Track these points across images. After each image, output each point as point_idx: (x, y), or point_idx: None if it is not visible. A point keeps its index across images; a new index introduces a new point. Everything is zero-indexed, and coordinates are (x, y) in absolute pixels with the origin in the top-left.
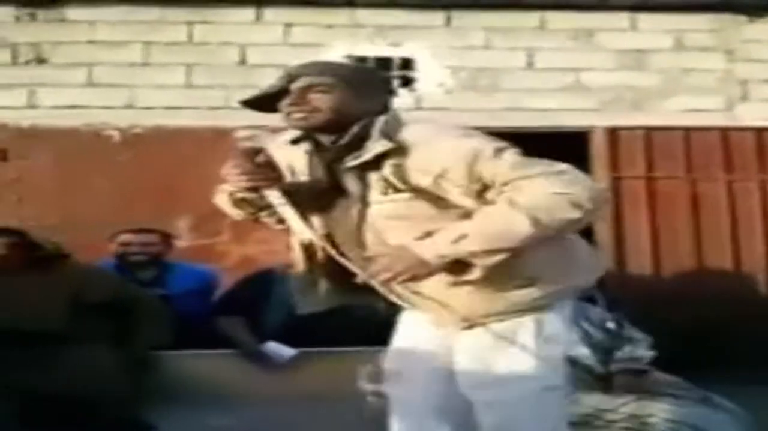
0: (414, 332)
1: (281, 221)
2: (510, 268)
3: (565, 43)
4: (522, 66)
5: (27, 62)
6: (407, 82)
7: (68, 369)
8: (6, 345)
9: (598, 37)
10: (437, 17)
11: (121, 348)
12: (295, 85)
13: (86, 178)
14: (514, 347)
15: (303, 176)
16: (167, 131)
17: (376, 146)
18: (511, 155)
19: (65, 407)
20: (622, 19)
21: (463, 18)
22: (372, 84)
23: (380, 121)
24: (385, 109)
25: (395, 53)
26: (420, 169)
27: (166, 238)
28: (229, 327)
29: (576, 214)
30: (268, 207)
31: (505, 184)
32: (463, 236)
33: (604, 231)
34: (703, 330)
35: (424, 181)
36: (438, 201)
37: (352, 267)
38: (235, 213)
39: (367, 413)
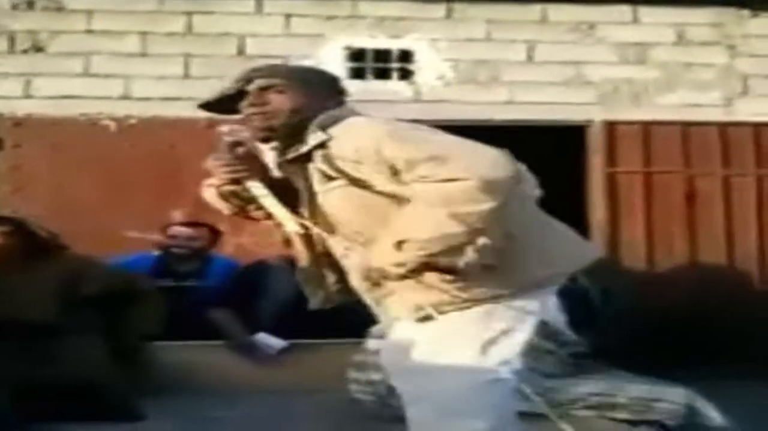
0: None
1: (270, 215)
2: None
3: (566, 36)
4: (522, 59)
5: (24, 51)
6: (406, 74)
7: (61, 359)
8: (0, 336)
9: (600, 30)
10: (438, 9)
11: (113, 339)
12: (251, 87)
13: (82, 168)
14: (455, 338)
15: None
16: (163, 122)
17: (311, 139)
18: (414, 140)
19: (58, 396)
20: (623, 12)
21: (465, 10)
22: (324, 84)
23: (321, 115)
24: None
25: (395, 45)
26: (340, 156)
27: (215, 233)
28: (219, 319)
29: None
30: (255, 200)
31: (408, 171)
32: (403, 242)
33: (599, 223)
34: (694, 323)
35: (347, 167)
36: (370, 186)
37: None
38: (224, 207)
39: (350, 400)
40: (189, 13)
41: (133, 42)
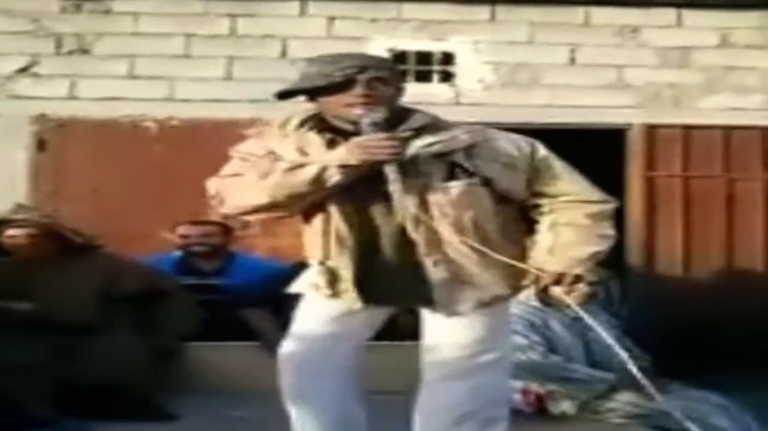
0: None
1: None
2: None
3: (609, 40)
4: (564, 62)
5: (70, 53)
6: (447, 77)
7: (96, 357)
8: (37, 334)
9: (643, 33)
10: (482, 12)
11: (147, 338)
12: (364, 76)
13: (123, 169)
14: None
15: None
16: (204, 124)
17: (461, 137)
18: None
19: (91, 393)
20: (667, 15)
21: (508, 13)
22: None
23: (431, 114)
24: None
25: (437, 48)
26: (489, 158)
27: (227, 230)
28: (255, 319)
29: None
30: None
31: (555, 196)
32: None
33: (636, 227)
34: (729, 330)
35: (490, 170)
36: (498, 193)
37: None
38: (282, 196)
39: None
40: (233, 16)
41: (177, 44)
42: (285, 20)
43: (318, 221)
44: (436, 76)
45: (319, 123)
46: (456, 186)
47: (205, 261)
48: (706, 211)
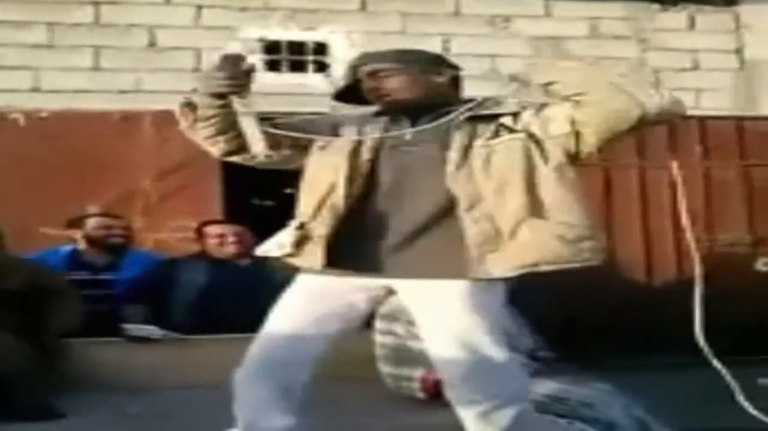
0: None
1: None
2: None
3: (481, 30)
4: (437, 52)
5: None
6: (322, 67)
7: None
8: None
9: (515, 23)
10: (352, 2)
11: (31, 336)
12: (366, 69)
13: None
14: None
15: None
16: (75, 115)
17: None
18: None
19: None
20: (537, 5)
21: (378, 3)
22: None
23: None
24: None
25: (309, 38)
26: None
27: (127, 225)
28: (129, 315)
29: None
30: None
31: None
32: None
33: None
34: (604, 318)
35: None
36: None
37: None
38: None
39: None
40: (96, 3)
41: (39, 33)
42: (151, 9)
43: (313, 179)
44: (310, 67)
45: None
46: (495, 145)
47: (98, 255)
48: (585, 200)
